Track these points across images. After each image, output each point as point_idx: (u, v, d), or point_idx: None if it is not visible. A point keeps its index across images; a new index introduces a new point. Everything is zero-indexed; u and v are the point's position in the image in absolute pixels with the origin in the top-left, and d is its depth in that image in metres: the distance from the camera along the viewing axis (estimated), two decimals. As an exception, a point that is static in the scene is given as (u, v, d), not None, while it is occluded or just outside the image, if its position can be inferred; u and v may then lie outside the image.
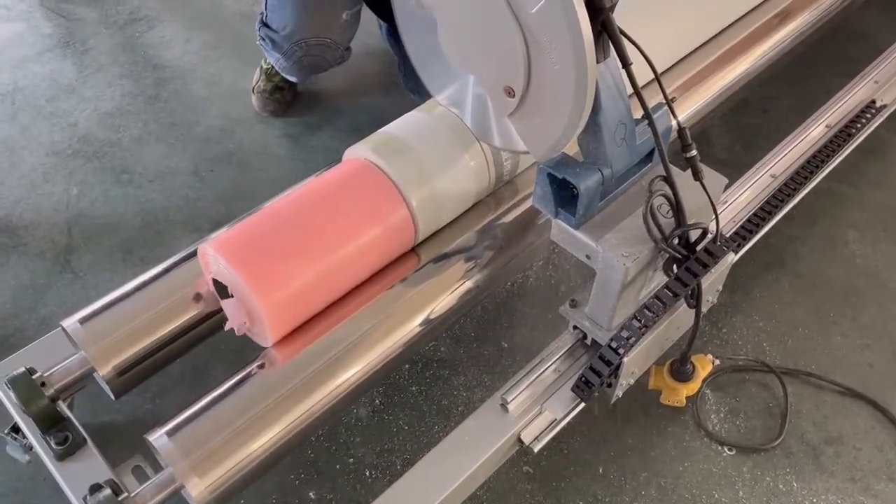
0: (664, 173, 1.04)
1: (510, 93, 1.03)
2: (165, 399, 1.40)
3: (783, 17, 1.74)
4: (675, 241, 1.05)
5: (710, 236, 1.09)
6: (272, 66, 1.90)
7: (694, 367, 1.24)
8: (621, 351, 1.08)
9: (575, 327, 1.20)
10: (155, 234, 1.68)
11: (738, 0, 1.67)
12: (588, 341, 1.20)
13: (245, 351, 1.40)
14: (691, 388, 1.24)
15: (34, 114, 1.95)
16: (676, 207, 1.05)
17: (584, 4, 0.89)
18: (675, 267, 1.09)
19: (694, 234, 1.08)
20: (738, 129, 1.93)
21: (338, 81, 2.03)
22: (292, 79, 1.88)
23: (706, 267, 1.07)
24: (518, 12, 0.94)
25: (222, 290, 1.09)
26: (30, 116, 1.94)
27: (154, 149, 1.88)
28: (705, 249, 1.08)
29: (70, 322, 1.11)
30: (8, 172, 1.79)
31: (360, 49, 1.97)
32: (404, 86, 1.83)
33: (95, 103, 1.99)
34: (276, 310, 1.06)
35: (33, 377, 1.08)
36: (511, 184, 1.32)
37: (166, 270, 1.20)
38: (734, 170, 1.40)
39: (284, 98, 1.95)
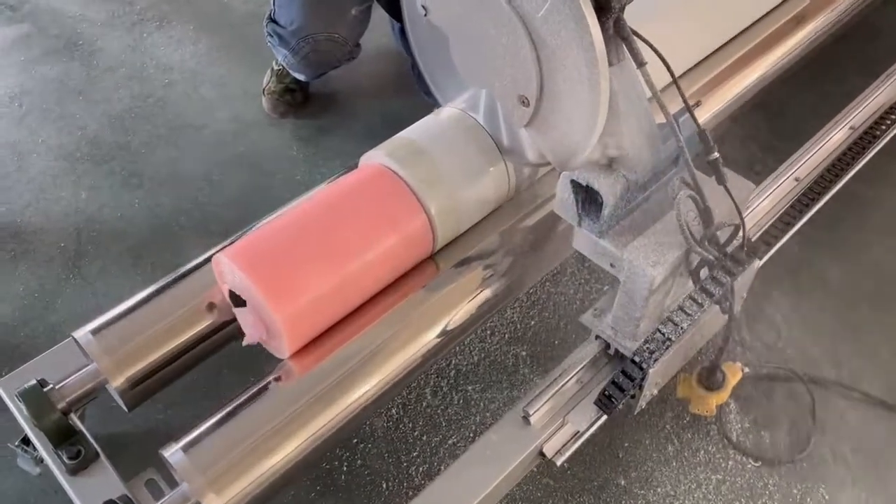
0: (689, 178, 1.01)
1: (524, 102, 1.01)
2: (177, 409, 1.37)
3: (799, 19, 1.70)
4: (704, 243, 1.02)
5: (738, 239, 1.06)
6: (283, 68, 1.87)
7: (724, 374, 1.21)
8: (645, 365, 1.05)
9: (597, 337, 1.17)
10: (165, 240, 1.65)
11: (754, 4, 1.63)
12: (611, 351, 1.17)
13: (258, 360, 1.37)
14: (721, 396, 1.21)
15: (42, 117, 1.92)
16: (704, 211, 1.02)
17: (590, 5, 0.87)
18: (702, 273, 1.07)
19: (722, 238, 1.05)
20: (756, 131, 1.90)
21: (350, 83, 2.00)
22: (300, 76, 1.85)
23: (735, 273, 1.04)
24: (525, 18, 0.93)
25: (238, 300, 1.06)
26: (37, 120, 1.92)
27: (163, 152, 1.85)
28: (733, 256, 1.06)
29: (82, 333, 1.08)
30: (16, 177, 1.77)
31: (372, 50, 1.94)
32: (418, 88, 1.79)
33: (104, 106, 1.96)
34: (293, 321, 1.03)
35: (45, 390, 1.06)
36: (531, 188, 1.29)
37: (178, 279, 1.17)
38: (752, 172, 1.37)
39: (295, 100, 1.92)
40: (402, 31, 1.88)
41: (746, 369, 1.27)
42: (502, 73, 1.01)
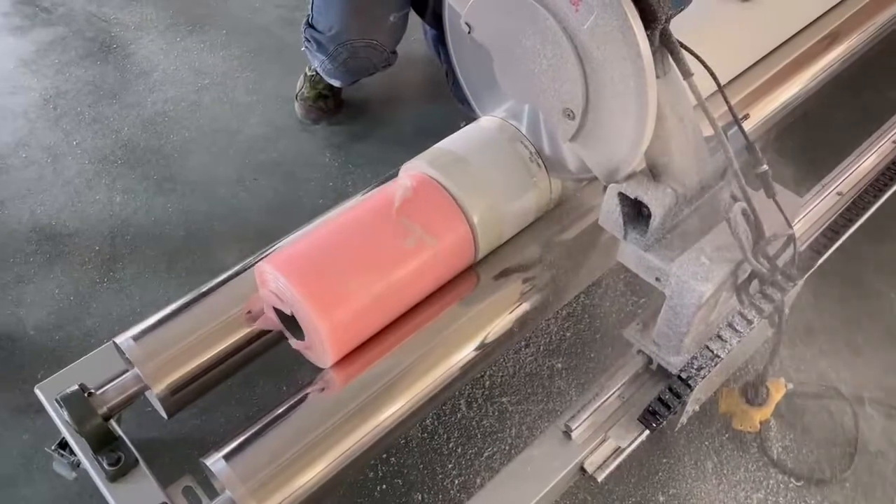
0: (737, 191, 1.00)
1: (570, 115, 1.00)
2: (211, 415, 1.37)
3: (835, 36, 1.68)
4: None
5: (789, 252, 1.05)
6: (316, 73, 1.87)
7: (767, 390, 1.19)
8: (693, 383, 1.04)
9: (639, 351, 1.16)
10: (199, 245, 1.65)
11: (792, 18, 1.61)
12: (653, 366, 1.15)
13: (291, 367, 1.37)
14: (765, 412, 1.19)
15: (77, 120, 1.93)
16: (756, 226, 1.00)
17: (637, 16, 0.86)
18: (749, 288, 1.05)
19: (771, 252, 1.04)
20: (792, 142, 1.87)
21: (382, 89, 2.00)
22: (336, 83, 1.85)
23: (786, 289, 1.02)
24: (571, 31, 0.92)
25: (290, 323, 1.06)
26: (72, 122, 1.92)
27: (197, 157, 1.85)
28: (783, 271, 1.04)
29: (123, 339, 1.08)
30: (52, 179, 1.78)
31: (404, 56, 1.93)
32: (452, 95, 1.79)
33: (137, 109, 1.97)
34: (337, 331, 1.02)
35: (86, 395, 1.06)
36: (573, 198, 1.27)
37: (219, 286, 1.16)
38: (790, 184, 1.34)
39: (328, 106, 1.92)
40: (435, 38, 1.88)
41: (790, 385, 1.25)
42: (547, 88, 1.00)
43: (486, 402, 1.38)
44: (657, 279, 1.06)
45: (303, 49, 1.81)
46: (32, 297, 1.53)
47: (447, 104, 1.85)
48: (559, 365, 1.43)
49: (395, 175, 1.23)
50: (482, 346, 1.14)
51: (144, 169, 1.81)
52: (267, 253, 1.19)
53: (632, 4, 0.88)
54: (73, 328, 1.48)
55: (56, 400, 1.07)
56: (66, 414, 1.05)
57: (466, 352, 1.12)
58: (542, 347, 1.46)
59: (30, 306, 1.51)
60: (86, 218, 1.69)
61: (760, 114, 1.52)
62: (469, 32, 1.05)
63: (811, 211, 1.39)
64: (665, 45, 0.95)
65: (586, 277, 1.30)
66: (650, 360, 1.15)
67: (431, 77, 2.02)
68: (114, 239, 1.65)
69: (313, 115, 1.92)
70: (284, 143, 1.89)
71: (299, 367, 1.37)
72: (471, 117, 1.30)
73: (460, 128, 1.89)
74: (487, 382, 1.40)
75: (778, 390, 1.22)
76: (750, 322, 1.04)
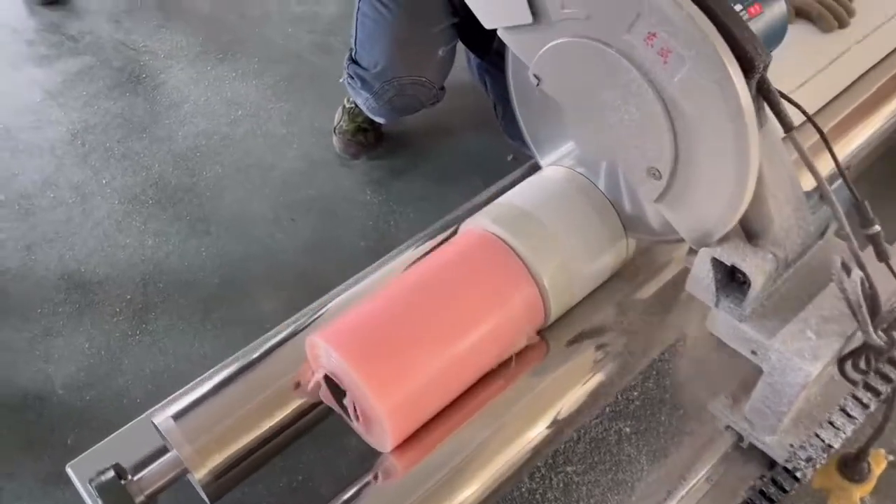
0: (849, 254, 0.89)
1: (655, 175, 0.90)
2: (254, 486, 1.27)
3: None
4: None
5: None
6: (355, 106, 1.78)
7: (868, 465, 1.07)
8: (800, 475, 0.92)
9: (728, 427, 1.05)
10: (235, 292, 1.56)
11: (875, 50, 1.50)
12: (744, 444, 1.04)
13: (338, 432, 1.27)
14: (865, 489, 1.07)
15: (105, 156, 1.85)
16: (871, 292, 0.89)
17: (737, 65, 0.76)
18: (860, 365, 0.94)
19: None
20: (870, 184, 1.75)
21: (423, 121, 1.90)
22: (380, 120, 1.75)
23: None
24: (658, 84, 0.81)
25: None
26: (101, 159, 1.85)
27: (231, 194, 1.77)
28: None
29: (162, 418, 0.99)
30: (80, 221, 1.69)
31: (447, 86, 1.84)
32: (502, 130, 1.69)
33: (168, 144, 1.89)
34: (398, 413, 0.92)
35: (123, 482, 0.96)
36: (648, 253, 1.17)
37: (264, 356, 1.07)
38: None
39: (368, 140, 1.83)
40: (480, 66, 1.78)
41: (891, 457, 1.13)
42: (629, 145, 0.90)
43: (549, 472, 1.27)
44: (753, 352, 0.95)
45: (342, 81, 1.72)
46: (61, 351, 1.45)
47: (494, 136, 1.75)
48: (627, 429, 1.32)
49: (450, 223, 1.14)
50: (555, 423, 1.03)
51: (176, 209, 1.73)
52: (314, 318, 1.10)
53: (730, 53, 0.78)
54: (104, 387, 1.39)
55: (92, 487, 0.97)
56: (101, 504, 0.95)
57: (538, 430, 1.02)
58: (607, 410, 1.34)
59: (58, 362, 1.43)
60: (116, 263, 1.61)
61: (840, 153, 1.41)
62: (538, 84, 0.96)
63: (906, 262, 1.27)
64: (763, 96, 0.85)
65: (667, 337, 1.19)
66: (740, 438, 1.04)
67: (476, 107, 1.92)
68: (146, 286, 1.56)
69: (352, 149, 1.83)
70: (322, 179, 1.80)
71: (347, 433, 1.27)
72: (521, 152, 1.20)
73: (508, 162, 1.80)
74: (550, 451, 1.29)
75: (879, 464, 1.10)
76: (866, 406, 0.92)
